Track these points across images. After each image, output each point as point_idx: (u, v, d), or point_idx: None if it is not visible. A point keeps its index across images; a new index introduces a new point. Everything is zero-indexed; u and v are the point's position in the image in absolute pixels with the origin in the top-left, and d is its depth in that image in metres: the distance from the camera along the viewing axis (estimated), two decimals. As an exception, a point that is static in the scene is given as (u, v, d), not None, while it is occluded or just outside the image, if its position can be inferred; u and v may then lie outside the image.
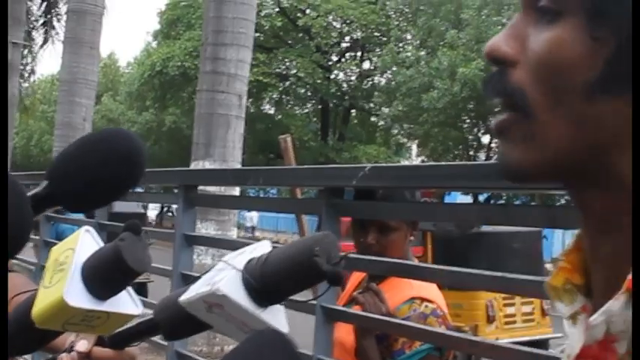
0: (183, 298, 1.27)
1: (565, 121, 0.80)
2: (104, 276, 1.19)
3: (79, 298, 1.18)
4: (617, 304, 0.75)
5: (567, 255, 0.92)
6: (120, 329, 1.32)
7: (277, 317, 1.27)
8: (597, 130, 0.79)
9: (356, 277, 3.10)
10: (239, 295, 1.23)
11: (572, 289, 0.90)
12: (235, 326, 1.26)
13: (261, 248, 1.30)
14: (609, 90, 0.78)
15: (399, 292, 2.81)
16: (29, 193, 1.13)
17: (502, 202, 20.61)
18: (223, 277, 1.24)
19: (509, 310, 11.88)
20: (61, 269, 1.20)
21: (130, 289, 1.27)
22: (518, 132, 0.83)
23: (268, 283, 1.23)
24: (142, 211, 18.87)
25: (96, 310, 1.20)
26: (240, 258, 1.28)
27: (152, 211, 46.17)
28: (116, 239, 1.19)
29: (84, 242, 1.24)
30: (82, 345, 1.36)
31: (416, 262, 2.98)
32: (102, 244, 1.25)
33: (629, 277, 0.75)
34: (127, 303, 1.25)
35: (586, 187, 0.83)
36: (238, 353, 1.07)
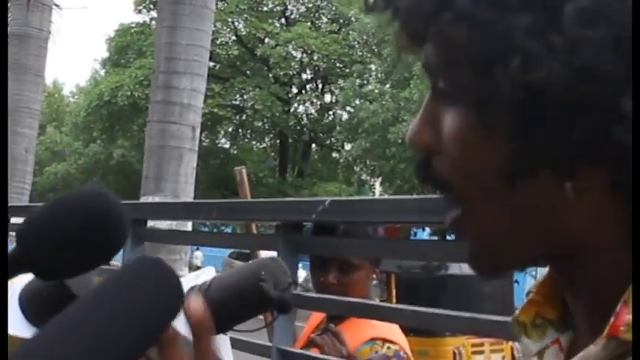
0: None
1: (497, 213, 0.80)
2: (44, 303, 1.15)
3: (16, 327, 1.14)
4: (594, 349, 0.76)
5: (539, 287, 0.92)
6: None
7: (222, 348, 1.25)
8: (532, 216, 0.79)
9: (315, 319, 3.08)
10: (180, 325, 1.21)
11: (542, 324, 0.90)
12: None
13: (204, 275, 1.28)
14: (524, 176, 0.77)
15: (359, 332, 2.79)
16: None
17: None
18: None
19: (478, 358, 11.86)
20: None
21: None
22: (462, 228, 0.84)
23: (211, 311, 1.21)
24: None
25: None
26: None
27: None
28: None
29: None
30: None
31: (377, 302, 2.97)
32: None
33: (612, 321, 0.75)
34: None
35: (551, 264, 0.85)
36: (114, 277, 1.01)
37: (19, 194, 13.34)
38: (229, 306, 1.21)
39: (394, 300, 11.94)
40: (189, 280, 1.27)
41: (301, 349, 2.81)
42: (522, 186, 0.77)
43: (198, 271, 1.31)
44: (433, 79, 0.84)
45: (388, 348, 2.79)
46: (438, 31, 0.79)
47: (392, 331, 2.84)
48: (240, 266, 1.26)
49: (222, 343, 1.27)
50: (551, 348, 0.88)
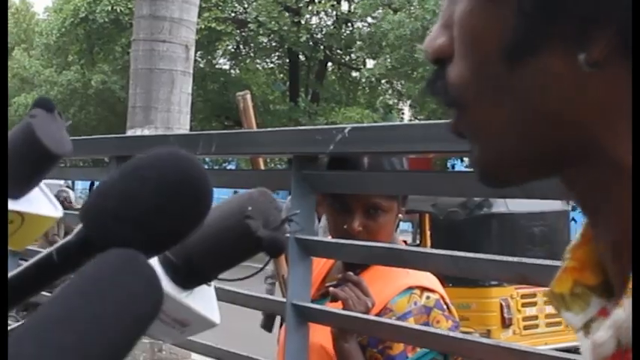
0: None
1: (502, 103, 0.82)
2: (13, 164, 1.11)
3: None
4: (622, 313, 0.75)
5: (574, 251, 0.91)
6: None
7: (206, 302, 1.23)
8: (540, 102, 0.79)
9: (324, 265, 3.04)
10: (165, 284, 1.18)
11: (584, 293, 0.89)
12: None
13: None
14: (530, 49, 0.79)
15: (391, 281, 2.78)
16: (57, 245, 1.00)
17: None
18: None
19: (530, 311, 11.76)
20: None
21: (44, 188, 1.22)
22: (467, 130, 0.86)
23: (191, 257, 1.17)
24: (67, 192, 18.73)
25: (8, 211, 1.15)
26: None
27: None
28: (25, 116, 1.14)
29: None
30: None
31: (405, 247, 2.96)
32: None
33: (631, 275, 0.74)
34: (43, 203, 1.20)
35: (564, 167, 0.84)
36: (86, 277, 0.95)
37: (-18, 131, 13.37)
38: (209, 249, 1.18)
39: (429, 245, 11.87)
40: None
41: (312, 302, 2.79)
42: (528, 64, 0.79)
43: None
44: None
45: (428, 298, 2.77)
46: None
47: (429, 278, 2.81)
48: (223, 201, 1.22)
49: (207, 296, 1.24)
50: (599, 320, 0.85)
